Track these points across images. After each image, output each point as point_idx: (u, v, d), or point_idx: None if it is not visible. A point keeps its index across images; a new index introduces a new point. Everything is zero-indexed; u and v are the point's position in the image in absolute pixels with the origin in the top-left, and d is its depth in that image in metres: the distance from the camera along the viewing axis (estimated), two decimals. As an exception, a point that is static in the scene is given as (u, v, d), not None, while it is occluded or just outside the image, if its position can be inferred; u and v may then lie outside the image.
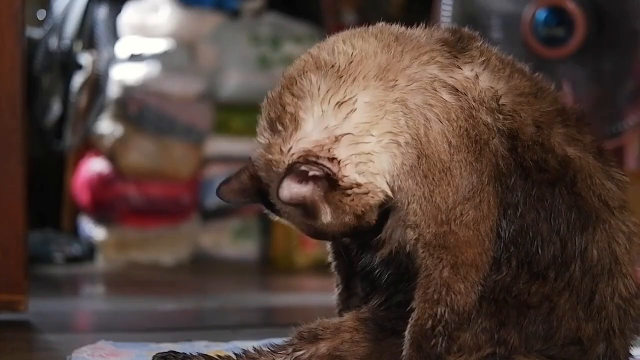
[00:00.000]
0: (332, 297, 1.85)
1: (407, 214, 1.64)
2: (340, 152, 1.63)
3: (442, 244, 1.63)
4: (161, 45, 5.07)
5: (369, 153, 1.64)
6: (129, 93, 5.01)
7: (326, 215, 1.66)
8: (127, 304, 3.61)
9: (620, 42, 3.38)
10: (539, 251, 1.66)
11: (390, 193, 1.65)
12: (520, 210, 1.65)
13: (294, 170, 1.62)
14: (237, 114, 5.14)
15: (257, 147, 1.70)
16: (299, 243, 4.82)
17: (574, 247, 1.66)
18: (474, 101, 1.66)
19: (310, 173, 1.63)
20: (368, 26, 1.75)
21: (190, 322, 3.16)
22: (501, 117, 1.67)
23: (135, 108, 5.00)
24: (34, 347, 2.49)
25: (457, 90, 1.66)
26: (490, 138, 1.66)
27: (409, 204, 1.64)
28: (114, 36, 5.14)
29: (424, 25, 1.77)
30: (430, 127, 1.64)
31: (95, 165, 5.03)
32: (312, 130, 1.64)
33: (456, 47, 1.71)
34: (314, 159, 1.63)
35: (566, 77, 3.36)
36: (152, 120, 5.01)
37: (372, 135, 1.63)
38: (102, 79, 5.06)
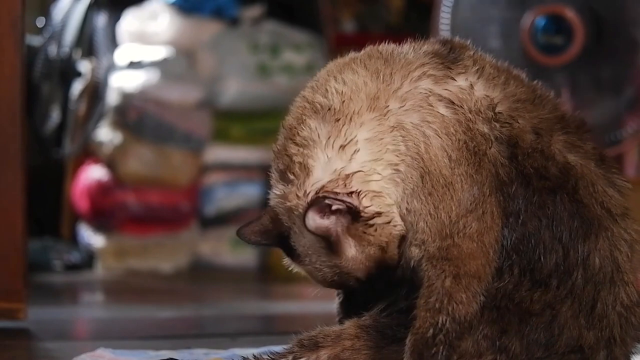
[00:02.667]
0: (333, 305, 1.85)
1: (416, 232, 1.65)
2: (356, 186, 1.65)
3: (445, 256, 1.63)
4: (160, 52, 5.07)
5: (379, 189, 1.65)
6: (128, 101, 5.01)
7: (350, 249, 1.68)
8: (126, 311, 3.61)
9: (619, 50, 3.38)
10: (541, 259, 1.65)
11: (400, 221, 1.66)
12: (521, 218, 1.65)
13: (317, 203, 1.64)
14: (236, 122, 5.15)
15: (274, 198, 1.72)
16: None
17: (577, 255, 1.66)
18: (470, 112, 1.66)
19: (334, 207, 1.64)
20: (358, 53, 1.75)
21: (189, 330, 3.15)
22: (498, 125, 1.67)
23: (135, 116, 5.01)
24: (34, 355, 2.48)
25: (453, 103, 1.66)
26: (488, 147, 1.66)
27: (417, 223, 1.65)
28: (113, 44, 5.14)
29: (413, 40, 1.76)
30: (430, 143, 1.64)
31: (94, 173, 5.03)
32: (322, 175, 1.66)
33: (448, 58, 1.71)
34: (332, 195, 1.64)
35: (565, 84, 3.37)
36: (151, 128, 5.01)
37: (378, 173, 1.65)
38: (102, 86, 5.06)
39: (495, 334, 1.66)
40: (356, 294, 1.77)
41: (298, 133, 1.68)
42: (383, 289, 1.72)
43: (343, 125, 1.66)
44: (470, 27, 3.43)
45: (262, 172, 5.11)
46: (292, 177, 1.68)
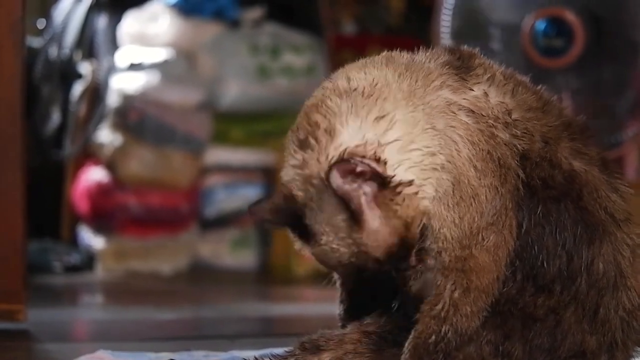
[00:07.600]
0: (334, 308, 1.84)
1: (437, 239, 1.61)
2: (388, 155, 1.57)
3: (461, 267, 1.62)
4: (161, 54, 5.07)
5: (420, 159, 1.58)
6: (128, 102, 5.01)
7: (374, 220, 1.58)
8: (126, 313, 3.60)
9: (619, 53, 3.39)
10: (544, 265, 1.65)
11: (432, 192, 1.59)
12: (524, 227, 1.65)
13: (341, 162, 1.54)
14: (236, 124, 5.15)
15: (290, 169, 1.61)
16: (297, 253, 4.82)
17: (580, 261, 1.66)
18: (489, 119, 1.65)
19: (358, 168, 1.54)
20: (371, 58, 1.70)
21: (189, 332, 3.15)
22: (519, 133, 1.65)
23: (135, 117, 5.01)
24: (33, 357, 2.48)
25: (473, 111, 1.65)
26: (512, 158, 1.64)
27: (439, 229, 1.61)
28: (114, 45, 5.14)
29: (424, 48, 1.74)
30: (459, 149, 1.62)
31: (94, 175, 5.03)
32: (350, 139, 1.57)
33: (461, 69, 1.69)
34: (359, 158, 1.55)
35: (565, 87, 3.37)
36: (152, 130, 5.01)
37: (422, 148, 1.58)
38: (102, 88, 5.06)
39: (498, 339, 1.66)
40: (363, 293, 1.73)
41: (322, 105, 1.60)
42: (393, 283, 1.64)
43: (378, 100, 1.59)
44: (470, 30, 3.43)
45: (262, 174, 5.11)
46: (313, 142, 1.58)
